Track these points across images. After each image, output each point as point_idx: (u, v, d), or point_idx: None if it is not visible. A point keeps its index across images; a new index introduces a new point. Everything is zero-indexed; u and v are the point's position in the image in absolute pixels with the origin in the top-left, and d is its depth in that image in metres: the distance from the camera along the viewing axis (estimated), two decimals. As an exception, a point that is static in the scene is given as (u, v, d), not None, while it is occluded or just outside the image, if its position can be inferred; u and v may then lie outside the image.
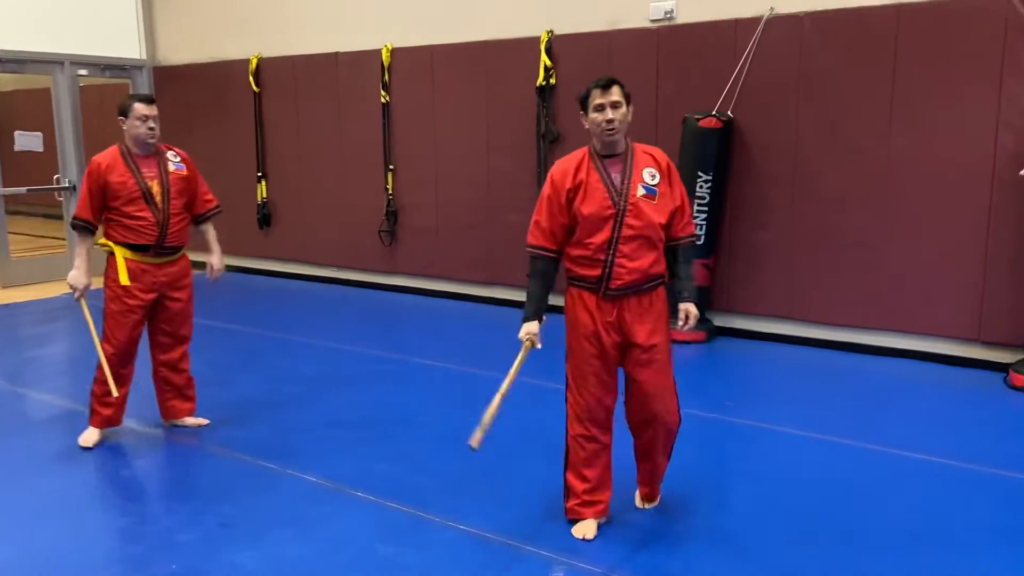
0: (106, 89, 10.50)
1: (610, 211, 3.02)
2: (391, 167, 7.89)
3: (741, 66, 5.93)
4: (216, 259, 4.41)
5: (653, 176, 3.07)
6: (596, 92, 3.04)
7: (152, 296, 4.18)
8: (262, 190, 8.86)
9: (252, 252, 9.11)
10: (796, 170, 5.87)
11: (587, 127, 3.10)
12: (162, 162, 4.17)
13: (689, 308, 3.15)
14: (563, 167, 3.12)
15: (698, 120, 5.84)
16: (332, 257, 8.55)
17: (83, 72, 9.07)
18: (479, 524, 3.33)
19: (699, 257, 5.88)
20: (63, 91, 8.91)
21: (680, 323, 3.15)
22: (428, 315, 7.26)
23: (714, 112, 5.89)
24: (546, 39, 6.76)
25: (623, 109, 3.04)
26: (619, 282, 3.05)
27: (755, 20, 5.88)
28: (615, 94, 3.02)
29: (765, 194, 6.00)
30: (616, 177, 3.06)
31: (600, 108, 3.02)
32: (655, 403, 3.11)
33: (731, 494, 3.59)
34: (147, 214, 4.07)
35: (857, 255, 5.72)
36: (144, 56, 9.60)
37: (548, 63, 6.77)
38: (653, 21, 6.34)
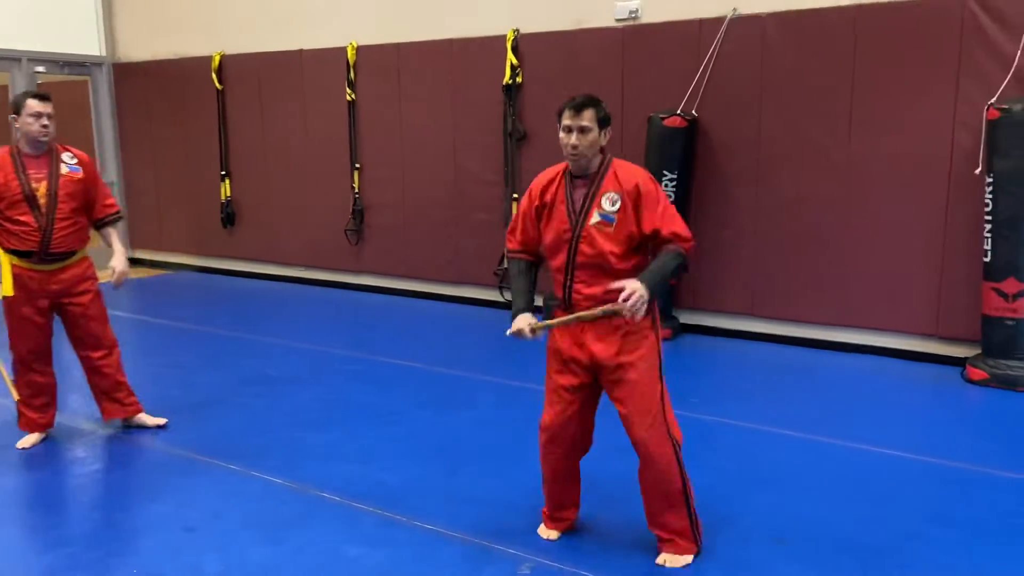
0: (65, 87, 10.29)
1: (567, 235, 2.93)
2: (357, 165, 7.84)
3: (705, 66, 5.98)
4: (118, 262, 4.04)
5: (613, 203, 2.88)
6: (567, 113, 2.87)
7: (45, 303, 4.03)
8: (226, 189, 8.75)
9: (216, 252, 9.00)
10: (759, 168, 5.94)
11: None
12: (54, 163, 3.96)
13: (635, 284, 2.75)
14: (540, 182, 3.04)
15: (663, 119, 5.88)
16: (297, 257, 8.48)
17: (41, 69, 8.90)
18: (446, 523, 3.32)
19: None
20: (20, 89, 8.72)
21: (619, 288, 2.77)
22: (395, 314, 7.23)
23: (679, 111, 5.94)
24: (512, 38, 6.76)
25: (592, 135, 2.86)
26: (578, 307, 2.96)
27: (719, 20, 5.93)
28: (586, 119, 2.84)
29: (729, 192, 6.06)
30: (578, 202, 2.93)
31: (568, 130, 2.86)
32: (635, 428, 2.93)
33: (698, 491, 3.60)
34: (28, 219, 3.88)
35: (819, 253, 5.81)
36: (104, 53, 9.44)
37: (515, 62, 6.77)
38: (618, 21, 6.37)
